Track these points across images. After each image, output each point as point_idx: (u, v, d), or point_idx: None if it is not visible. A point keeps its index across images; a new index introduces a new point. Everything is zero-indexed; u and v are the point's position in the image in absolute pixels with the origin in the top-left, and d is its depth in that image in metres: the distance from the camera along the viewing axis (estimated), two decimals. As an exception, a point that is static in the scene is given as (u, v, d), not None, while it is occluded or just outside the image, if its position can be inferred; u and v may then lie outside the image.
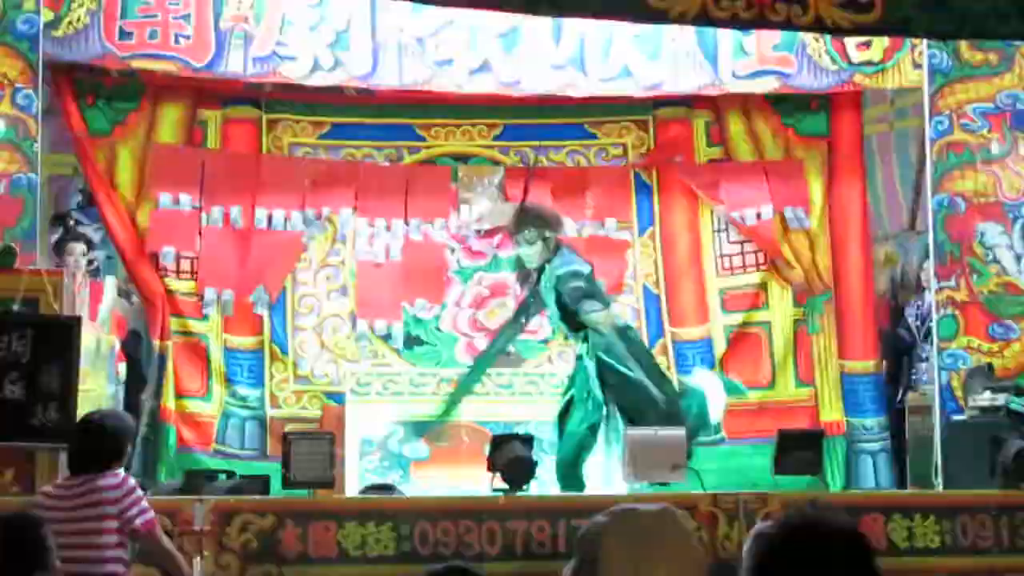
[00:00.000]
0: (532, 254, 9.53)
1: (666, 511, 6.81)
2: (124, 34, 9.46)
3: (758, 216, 10.58)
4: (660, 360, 10.35)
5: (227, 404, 10.38)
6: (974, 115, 9.47)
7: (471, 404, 10.12)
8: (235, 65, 9.66)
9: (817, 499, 7.43)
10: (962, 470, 8.66)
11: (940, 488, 8.79)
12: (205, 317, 10.36)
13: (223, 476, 8.31)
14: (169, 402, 10.08)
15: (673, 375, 10.34)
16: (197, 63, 9.65)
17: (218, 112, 10.52)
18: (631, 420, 9.00)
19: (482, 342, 10.71)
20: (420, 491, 9.70)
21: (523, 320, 9.96)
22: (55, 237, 10.24)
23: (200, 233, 10.36)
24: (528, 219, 9.55)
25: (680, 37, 9.91)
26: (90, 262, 10.19)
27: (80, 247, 10.04)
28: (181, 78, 9.91)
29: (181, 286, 10.34)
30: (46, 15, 9.02)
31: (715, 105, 10.66)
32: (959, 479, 8.63)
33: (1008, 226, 9.36)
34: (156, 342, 10.12)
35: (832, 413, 10.42)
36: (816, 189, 10.59)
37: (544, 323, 10.65)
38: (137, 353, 10.24)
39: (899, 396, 10.39)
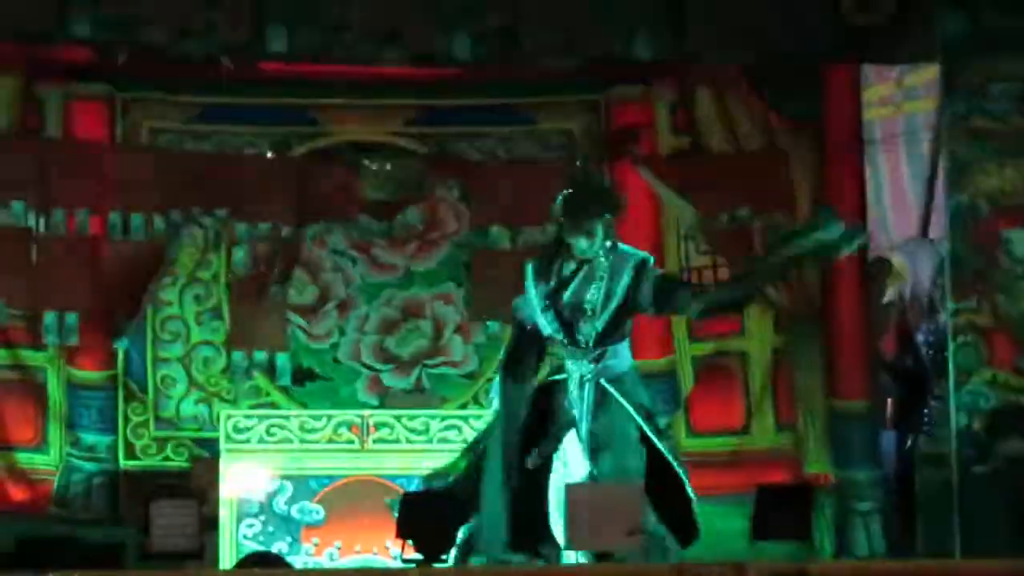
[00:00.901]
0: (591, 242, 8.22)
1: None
2: None
3: (732, 221, 10.49)
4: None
5: (69, 456, 10.18)
6: (999, 96, 9.40)
7: (377, 455, 9.97)
8: (81, 30, 9.44)
9: (807, 570, 7.37)
10: (985, 534, 8.61)
11: (958, 557, 8.72)
12: (43, 347, 10.17)
13: (65, 545, 8.15)
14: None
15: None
16: (33, 27, 9.42)
17: (60, 89, 10.35)
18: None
19: (391, 376, 10.57)
20: (313, 562, 9.63)
21: None
22: None
23: (36, 245, 10.13)
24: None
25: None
26: None
27: None
28: (10, 45, 9.68)
29: (10, 309, 10.13)
30: None
31: (681, 82, 10.61)
32: (981, 545, 8.55)
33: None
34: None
35: (818, 464, 10.37)
36: (803, 187, 10.50)
37: (470, 353, 10.51)
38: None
39: (907, 443, 10.32)
